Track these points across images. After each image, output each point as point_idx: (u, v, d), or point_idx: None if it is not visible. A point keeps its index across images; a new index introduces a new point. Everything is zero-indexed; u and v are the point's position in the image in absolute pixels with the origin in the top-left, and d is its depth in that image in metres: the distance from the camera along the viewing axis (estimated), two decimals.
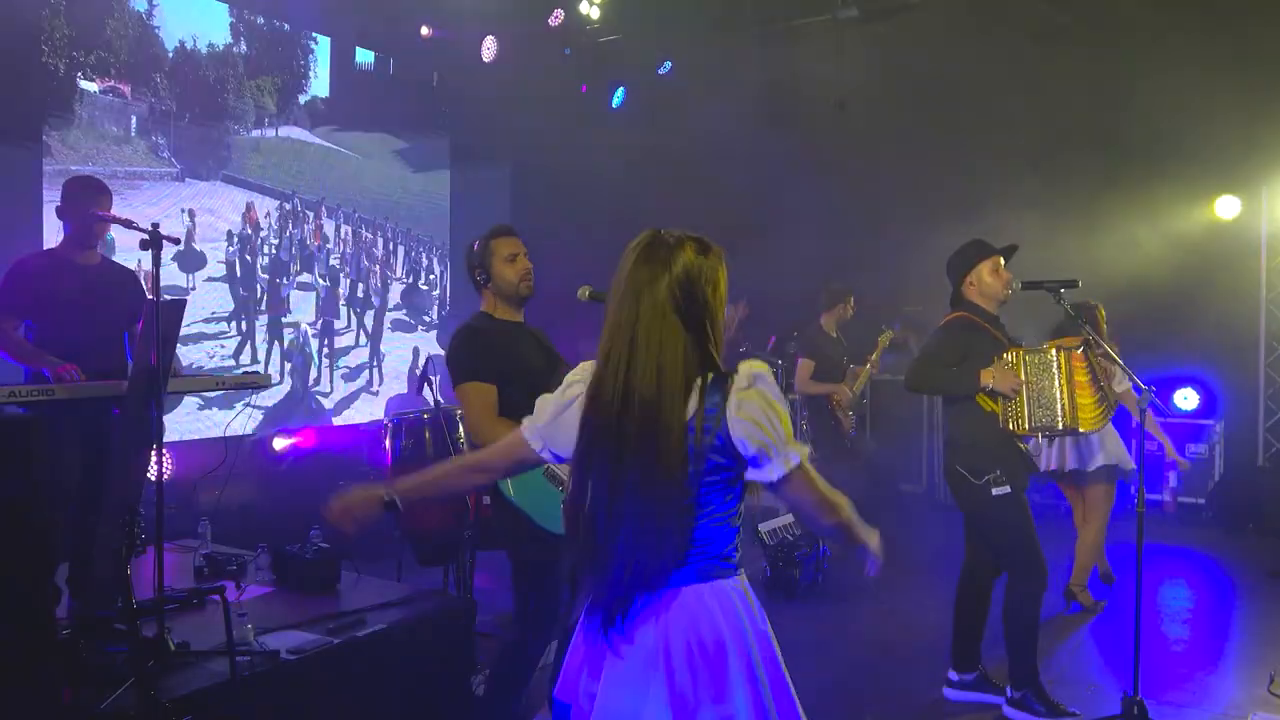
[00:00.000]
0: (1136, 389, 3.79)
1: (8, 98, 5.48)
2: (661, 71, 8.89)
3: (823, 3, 8.19)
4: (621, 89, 9.12)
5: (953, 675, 4.10)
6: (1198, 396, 8.06)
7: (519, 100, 8.42)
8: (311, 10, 7.24)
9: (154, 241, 3.22)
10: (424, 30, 7.64)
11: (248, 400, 5.32)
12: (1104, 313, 5.41)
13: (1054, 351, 3.80)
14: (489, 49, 8.05)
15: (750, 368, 1.86)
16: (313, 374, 7.36)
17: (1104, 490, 5.27)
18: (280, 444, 6.68)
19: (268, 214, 7.05)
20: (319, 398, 7.42)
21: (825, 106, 8.29)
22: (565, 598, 3.27)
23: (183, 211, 6.47)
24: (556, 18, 7.94)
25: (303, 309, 7.31)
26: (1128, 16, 7.19)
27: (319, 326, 7.43)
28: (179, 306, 3.72)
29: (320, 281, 7.44)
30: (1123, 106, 7.48)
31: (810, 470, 1.89)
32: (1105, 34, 7.26)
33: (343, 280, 7.63)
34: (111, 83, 6.03)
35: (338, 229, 7.58)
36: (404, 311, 8.17)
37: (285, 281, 7.18)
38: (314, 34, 7.40)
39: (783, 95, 8.29)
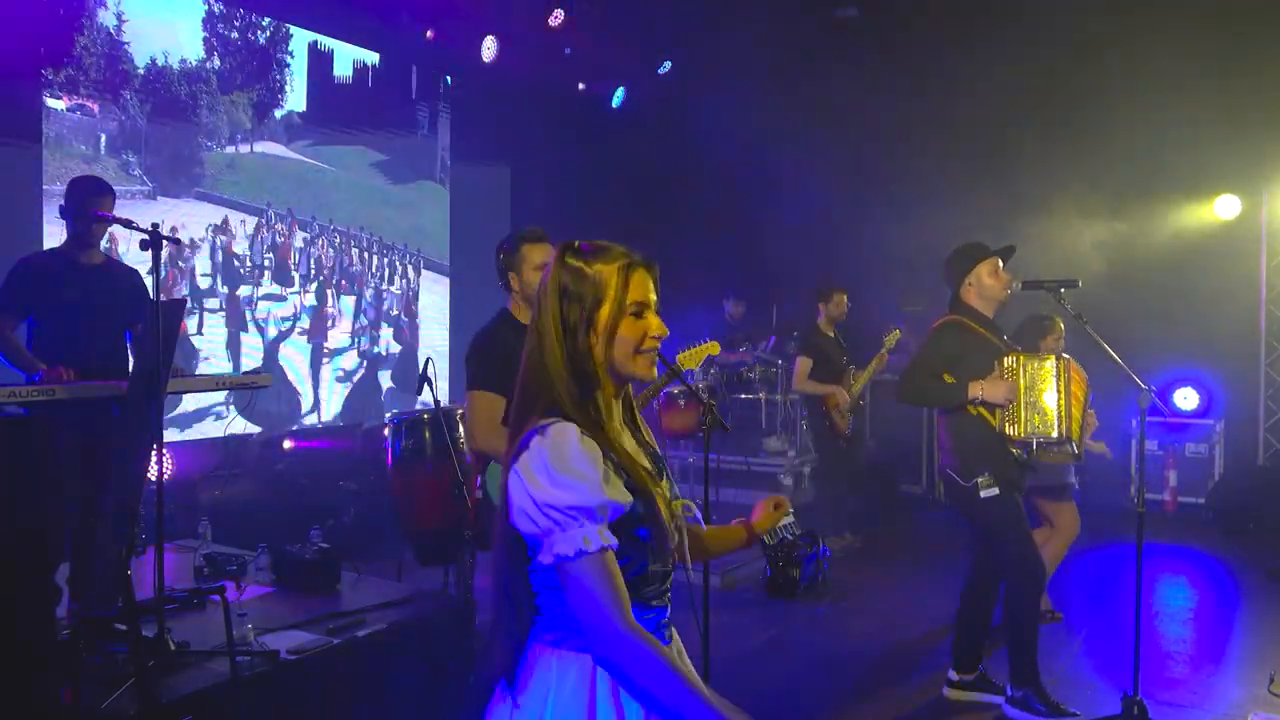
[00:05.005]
0: (1136, 388, 3.78)
1: (9, 102, 5.48)
2: (661, 71, 8.89)
3: (823, 1, 8.20)
4: (621, 89, 9.12)
5: (953, 675, 4.09)
6: (1198, 396, 8.06)
7: (518, 101, 8.42)
8: (308, 9, 7.21)
9: (154, 242, 3.22)
10: (428, 34, 7.62)
11: (241, 409, 5.29)
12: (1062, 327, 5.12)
13: (1054, 359, 3.82)
14: (489, 49, 8.05)
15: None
16: (304, 382, 7.37)
17: (1073, 510, 5.14)
18: (288, 445, 6.69)
19: (243, 229, 6.95)
20: (310, 405, 7.42)
21: (825, 106, 8.29)
22: None
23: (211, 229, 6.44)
24: (556, 18, 7.93)
25: (291, 318, 7.31)
26: (1128, 16, 7.19)
27: (307, 336, 7.41)
28: (179, 306, 3.72)
29: (309, 291, 7.43)
30: (1123, 106, 7.48)
31: (601, 568, 1.46)
32: (1106, 34, 7.25)
33: (328, 292, 7.58)
34: (79, 100, 5.92)
35: (316, 241, 7.51)
36: (393, 317, 8.16)
37: (269, 294, 7.15)
38: (290, 48, 7.28)
39: (782, 94, 8.29)
